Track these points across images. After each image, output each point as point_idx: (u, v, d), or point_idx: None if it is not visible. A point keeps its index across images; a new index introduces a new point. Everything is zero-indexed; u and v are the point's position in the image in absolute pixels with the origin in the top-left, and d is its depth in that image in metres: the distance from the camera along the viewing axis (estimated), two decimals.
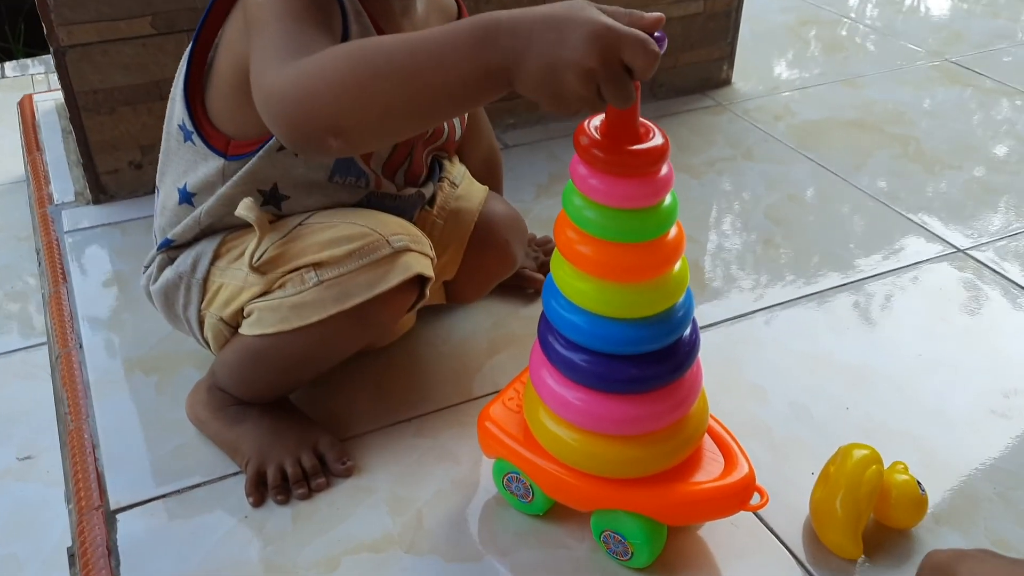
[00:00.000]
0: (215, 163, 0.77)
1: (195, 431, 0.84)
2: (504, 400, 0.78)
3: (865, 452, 0.74)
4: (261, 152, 0.75)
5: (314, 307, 0.74)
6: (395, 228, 0.77)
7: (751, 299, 1.04)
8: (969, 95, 1.55)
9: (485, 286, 0.96)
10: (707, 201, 1.24)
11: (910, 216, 1.20)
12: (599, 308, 0.65)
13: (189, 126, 0.77)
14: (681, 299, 0.67)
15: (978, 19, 1.89)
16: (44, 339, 1.01)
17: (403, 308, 0.79)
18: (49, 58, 1.93)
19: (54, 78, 1.79)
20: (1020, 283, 1.07)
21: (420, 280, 0.78)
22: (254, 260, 0.76)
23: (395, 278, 0.75)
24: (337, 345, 0.79)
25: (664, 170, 0.62)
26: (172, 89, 0.79)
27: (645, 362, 0.67)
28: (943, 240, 1.15)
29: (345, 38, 0.69)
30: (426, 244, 0.80)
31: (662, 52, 0.52)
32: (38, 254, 1.13)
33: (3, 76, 1.88)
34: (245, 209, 0.74)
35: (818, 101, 1.51)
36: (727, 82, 1.54)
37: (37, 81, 1.80)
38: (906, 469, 0.75)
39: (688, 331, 0.69)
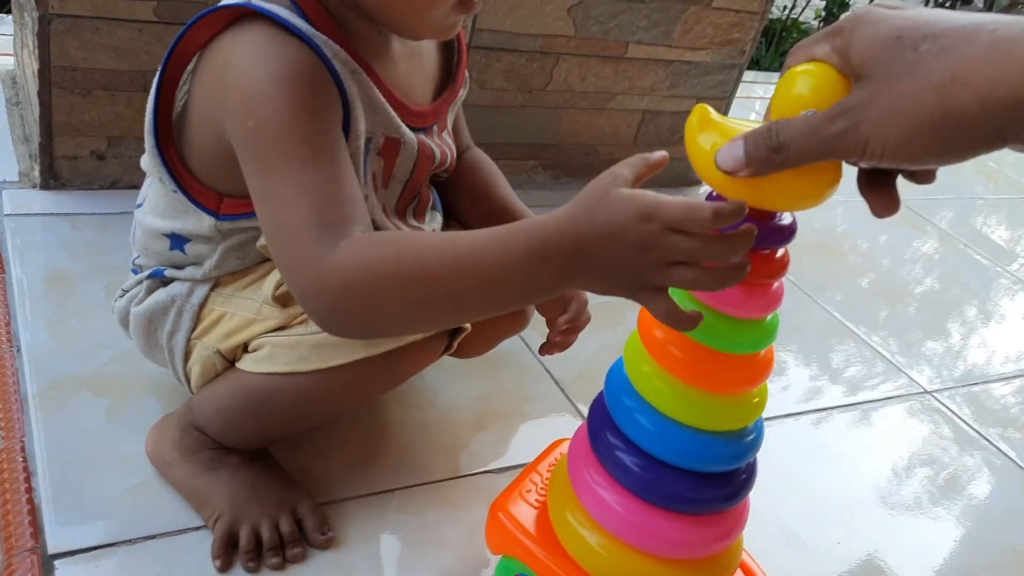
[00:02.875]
0: (207, 221, 0.68)
1: (154, 472, 0.74)
2: (521, 492, 0.72)
3: None
4: None
5: (339, 349, 0.66)
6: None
7: None
8: (919, 239, 1.62)
9: (494, 341, 0.89)
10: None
11: (878, 347, 1.22)
12: (675, 413, 0.60)
13: (169, 182, 0.67)
14: (754, 423, 0.64)
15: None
16: None
17: (431, 359, 0.72)
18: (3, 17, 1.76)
19: (2, 42, 1.63)
20: (986, 435, 1.10)
21: (451, 331, 0.72)
22: (276, 291, 0.68)
23: None
24: (352, 394, 0.71)
25: (777, 284, 0.59)
26: (145, 130, 0.68)
27: (706, 482, 0.62)
28: (911, 378, 1.18)
29: (346, 110, 0.63)
30: None
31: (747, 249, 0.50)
32: None
33: None
34: None
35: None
36: (700, 183, 1.55)
37: None
38: None
39: (752, 459, 0.65)
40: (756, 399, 0.63)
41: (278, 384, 0.68)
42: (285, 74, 0.59)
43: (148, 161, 0.69)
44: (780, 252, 0.59)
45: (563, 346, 0.82)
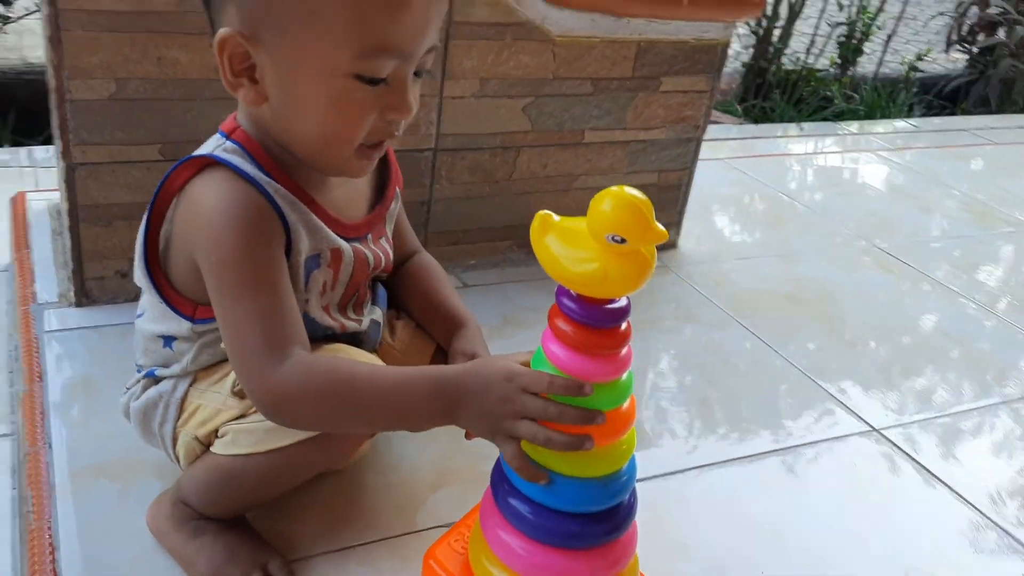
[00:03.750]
0: (185, 324, 0.85)
1: (154, 541, 0.89)
2: (450, 541, 0.85)
3: None
4: None
5: (286, 432, 0.81)
6: (361, 358, 0.85)
7: (682, 456, 1.14)
8: (893, 280, 1.70)
9: None
10: (647, 357, 1.34)
11: (830, 389, 1.32)
12: (553, 465, 0.73)
13: (154, 292, 0.84)
14: (626, 466, 0.76)
15: (906, 210, 2.09)
16: (8, 431, 1.06)
17: (365, 436, 0.87)
18: (39, 149, 2.02)
19: (42, 173, 1.88)
20: (926, 465, 1.18)
21: None
22: (235, 387, 0.84)
23: None
24: (304, 467, 0.86)
25: (624, 350, 0.72)
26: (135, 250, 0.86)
27: (587, 520, 0.75)
28: (860, 418, 1.26)
29: (288, 235, 0.80)
30: None
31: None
32: (15, 350, 1.18)
33: None
34: None
35: (755, 273, 1.65)
36: (673, 245, 1.68)
37: (25, 174, 1.88)
38: None
39: (627, 497, 0.77)
40: (624, 446, 0.76)
41: (242, 464, 0.84)
42: (237, 217, 0.77)
43: (138, 276, 0.86)
44: (623, 326, 0.72)
45: None
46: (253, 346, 0.75)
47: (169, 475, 0.96)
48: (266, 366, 0.74)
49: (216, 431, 0.86)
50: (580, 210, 0.66)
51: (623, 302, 0.71)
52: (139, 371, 0.92)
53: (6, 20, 2.35)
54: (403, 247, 1.02)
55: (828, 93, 3.69)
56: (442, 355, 0.98)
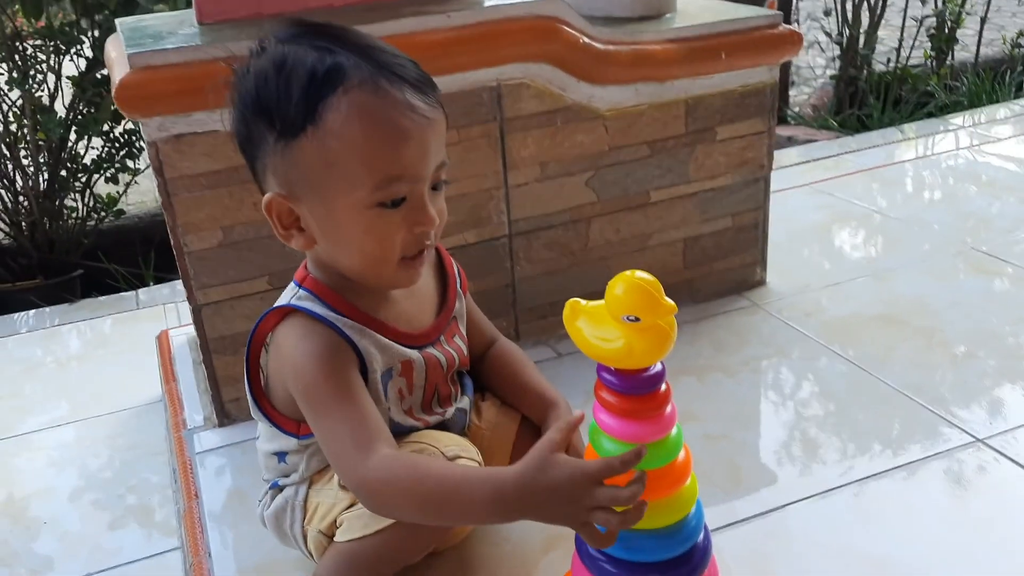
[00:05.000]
0: (292, 440, 1.00)
1: None
2: None
3: None
4: None
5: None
6: (447, 441, 0.96)
7: (782, 493, 1.17)
8: (994, 283, 1.67)
9: None
10: (741, 399, 1.38)
11: (933, 408, 1.32)
12: None
13: (263, 418, 1.00)
14: (691, 512, 0.83)
15: (1006, 205, 2.04)
16: (176, 544, 1.22)
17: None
18: (175, 284, 2.27)
19: (182, 307, 2.11)
20: None
21: None
22: (341, 482, 0.96)
23: None
24: (411, 543, 0.97)
25: (668, 409, 0.79)
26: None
27: (666, 566, 0.82)
28: (963, 430, 1.26)
29: (362, 362, 0.93)
30: (474, 451, 0.98)
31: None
32: (174, 472, 1.35)
33: (138, 305, 2.21)
34: None
35: (847, 297, 1.66)
36: (761, 283, 1.71)
37: (168, 310, 2.12)
38: None
39: (701, 537, 0.84)
40: (687, 494, 0.82)
41: (359, 546, 0.95)
42: (315, 351, 0.91)
43: (251, 408, 1.02)
44: (662, 388, 0.80)
45: None
46: (343, 449, 0.87)
47: (311, 569, 1.08)
48: (357, 464, 0.86)
49: (335, 522, 0.98)
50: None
51: (657, 368, 0.79)
52: (266, 483, 1.06)
53: (135, 172, 2.66)
54: (481, 337, 1.12)
55: (927, 88, 3.59)
56: (528, 426, 1.08)
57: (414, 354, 0.98)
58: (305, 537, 1.01)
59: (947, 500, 1.13)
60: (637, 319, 0.73)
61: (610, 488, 0.76)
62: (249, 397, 1.00)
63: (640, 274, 0.75)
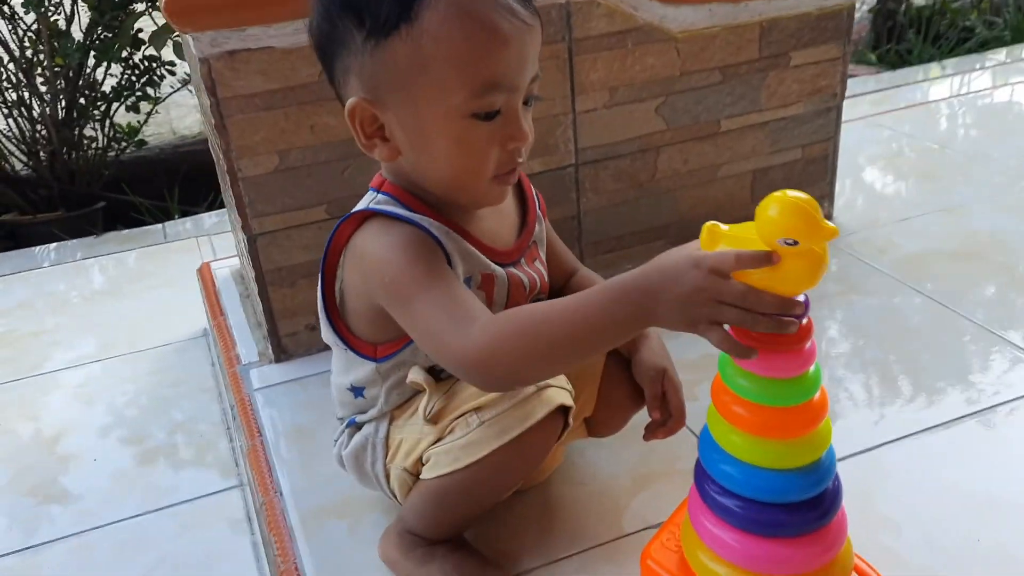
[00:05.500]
0: (369, 366, 0.93)
1: (388, 572, 0.97)
2: (663, 540, 0.88)
3: None
4: (406, 349, 0.91)
5: (480, 445, 0.87)
6: None
7: (875, 432, 1.12)
8: None
9: (622, 420, 1.07)
10: (818, 338, 1.33)
11: (1016, 340, 1.27)
12: (754, 460, 0.76)
13: (339, 342, 0.93)
14: (825, 453, 0.77)
15: None
16: (235, 482, 1.18)
17: (553, 437, 0.90)
18: (206, 217, 2.21)
19: (216, 240, 2.05)
20: None
21: (563, 410, 0.90)
22: (427, 413, 0.90)
23: (542, 410, 0.87)
24: (503, 476, 0.91)
25: (808, 345, 0.73)
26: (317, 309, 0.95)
27: (795, 509, 0.77)
28: None
29: (448, 259, 0.86)
30: (564, 380, 0.91)
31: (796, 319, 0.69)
32: (232, 409, 1.30)
33: (166, 238, 2.15)
34: (415, 374, 0.91)
35: (920, 232, 1.60)
36: (829, 218, 1.65)
37: (201, 242, 2.06)
38: None
39: (831, 481, 0.79)
40: (821, 435, 0.77)
41: (447, 482, 0.90)
42: (399, 244, 0.84)
43: (324, 332, 0.95)
44: (804, 321, 0.74)
45: (669, 432, 0.98)
46: (441, 327, 0.79)
47: (390, 508, 1.04)
48: (457, 338, 0.78)
49: (421, 459, 0.92)
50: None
51: (801, 298, 0.73)
52: (341, 422, 1.01)
53: (157, 100, 2.56)
54: (562, 266, 1.06)
55: (967, 23, 3.49)
56: (616, 356, 1.02)
57: (498, 269, 0.91)
58: (388, 476, 0.96)
59: None
60: (795, 243, 0.67)
61: (739, 284, 0.67)
62: (323, 318, 0.93)
63: (794, 193, 0.68)
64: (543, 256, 1.02)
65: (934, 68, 2.64)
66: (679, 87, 1.43)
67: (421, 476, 0.93)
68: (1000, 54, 2.69)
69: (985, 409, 1.15)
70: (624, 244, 1.50)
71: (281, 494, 1.11)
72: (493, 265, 0.91)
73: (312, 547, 1.02)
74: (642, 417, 1.01)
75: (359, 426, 0.98)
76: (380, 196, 0.89)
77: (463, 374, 0.81)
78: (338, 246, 0.90)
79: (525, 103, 0.84)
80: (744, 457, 0.76)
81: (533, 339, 0.76)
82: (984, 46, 3.25)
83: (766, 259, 0.67)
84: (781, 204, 0.67)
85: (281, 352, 1.37)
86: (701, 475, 0.82)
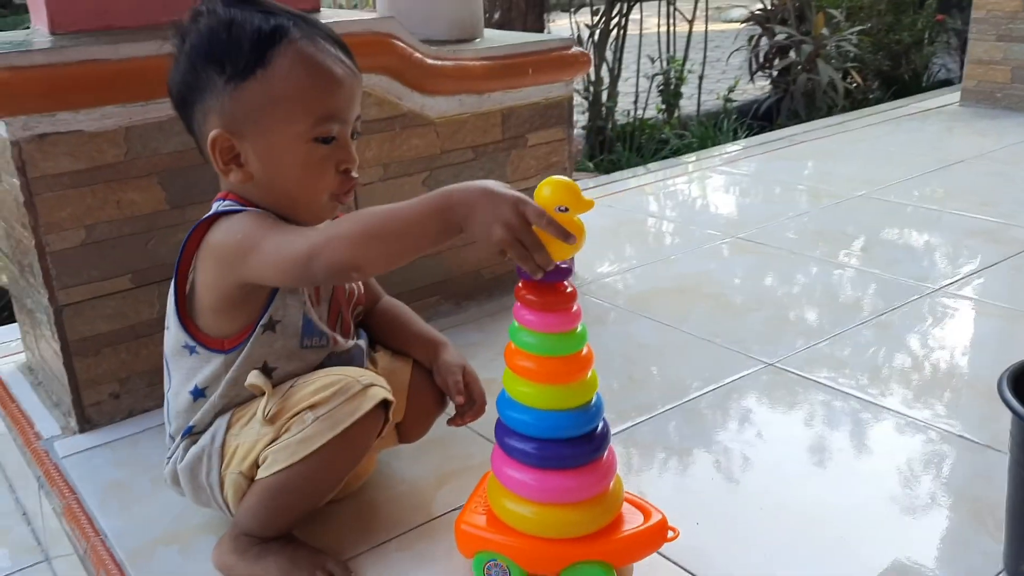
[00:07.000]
0: (219, 359, 1.05)
1: None
2: (471, 507, 1.05)
3: None
4: (251, 338, 1.04)
5: (314, 438, 1.00)
6: (359, 373, 1.06)
7: (637, 411, 1.38)
8: (756, 260, 2.03)
9: (427, 424, 1.23)
10: None
11: (730, 347, 1.60)
12: (541, 404, 0.97)
13: (192, 343, 1.06)
14: (595, 397, 1.00)
15: (752, 207, 2.46)
16: (40, 557, 1.21)
17: (376, 429, 1.05)
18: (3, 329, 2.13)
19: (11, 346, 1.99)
20: (821, 381, 1.47)
21: (384, 406, 1.05)
22: (266, 413, 1.03)
23: (369, 404, 1.02)
24: (334, 468, 1.04)
25: (575, 307, 0.97)
26: (166, 321, 1.08)
27: (577, 443, 0.98)
28: (757, 359, 1.55)
29: None
30: (383, 380, 1.08)
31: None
32: (38, 480, 1.32)
33: None
34: (254, 378, 1.03)
35: (643, 277, 1.95)
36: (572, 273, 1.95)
37: None
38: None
39: (601, 424, 1.01)
40: (590, 381, 1.00)
41: (284, 477, 1.02)
42: (247, 217, 1.01)
43: (171, 338, 1.07)
44: (569, 289, 0.97)
45: (475, 416, 1.18)
46: (287, 242, 0.94)
47: (221, 526, 1.13)
48: (301, 242, 0.93)
49: (257, 461, 1.04)
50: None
51: (566, 264, 0.95)
52: (172, 440, 1.10)
53: None
54: (370, 293, 1.25)
55: (662, 136, 4.16)
56: (420, 369, 1.20)
57: None
58: (222, 484, 1.06)
59: (764, 409, 1.40)
60: (567, 209, 0.90)
61: (535, 236, 0.87)
62: (174, 320, 1.05)
63: (559, 176, 0.92)
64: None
65: (640, 169, 3.14)
66: (440, 163, 1.69)
67: (258, 476, 1.04)
68: (692, 157, 3.25)
69: (692, 399, 1.45)
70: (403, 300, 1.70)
71: (106, 536, 1.16)
72: None
73: (144, 571, 1.08)
74: (440, 426, 1.21)
75: (195, 436, 1.07)
76: (226, 203, 1.04)
77: (301, 279, 0.98)
78: (190, 251, 1.04)
79: (352, 136, 1.05)
80: (534, 403, 0.97)
81: (365, 224, 0.91)
82: (677, 152, 3.89)
83: (565, 235, 0.88)
84: (556, 182, 0.91)
85: (86, 422, 1.40)
86: (501, 431, 1.01)
